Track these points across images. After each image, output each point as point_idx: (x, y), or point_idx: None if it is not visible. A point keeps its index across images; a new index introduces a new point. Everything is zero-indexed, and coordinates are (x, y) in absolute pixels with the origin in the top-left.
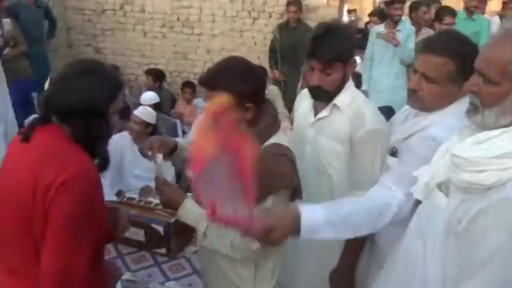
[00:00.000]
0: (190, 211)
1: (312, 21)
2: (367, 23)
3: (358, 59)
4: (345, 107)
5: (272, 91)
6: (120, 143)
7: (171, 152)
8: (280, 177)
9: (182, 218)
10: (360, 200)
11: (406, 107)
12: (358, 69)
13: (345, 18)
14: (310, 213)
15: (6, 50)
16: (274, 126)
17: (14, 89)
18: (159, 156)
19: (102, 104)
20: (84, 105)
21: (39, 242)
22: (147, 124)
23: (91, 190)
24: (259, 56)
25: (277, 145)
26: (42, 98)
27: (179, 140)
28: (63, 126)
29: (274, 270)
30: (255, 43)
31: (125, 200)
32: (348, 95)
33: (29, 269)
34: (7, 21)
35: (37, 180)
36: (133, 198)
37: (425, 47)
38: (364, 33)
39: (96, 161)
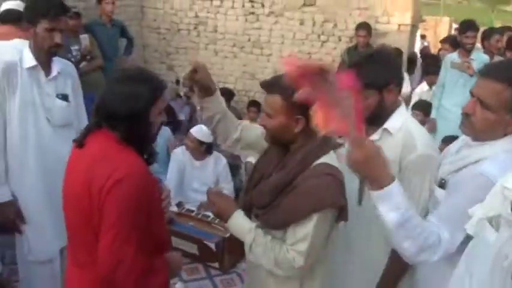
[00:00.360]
0: (239, 223)
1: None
2: (440, 50)
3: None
4: (395, 131)
5: None
6: (182, 156)
7: (206, 92)
8: (325, 196)
9: (231, 229)
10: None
11: (461, 138)
12: (426, 97)
13: (418, 43)
14: (399, 188)
15: (83, 64)
16: (325, 147)
17: (87, 100)
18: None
19: (143, 107)
20: (127, 109)
21: (97, 236)
22: (201, 142)
23: (143, 186)
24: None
25: (326, 165)
26: (95, 105)
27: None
28: (113, 130)
29: None
30: None
31: (183, 211)
32: (398, 120)
33: (92, 260)
34: (85, 37)
35: (91, 182)
36: (192, 211)
37: (485, 72)
38: (436, 59)
39: (144, 157)
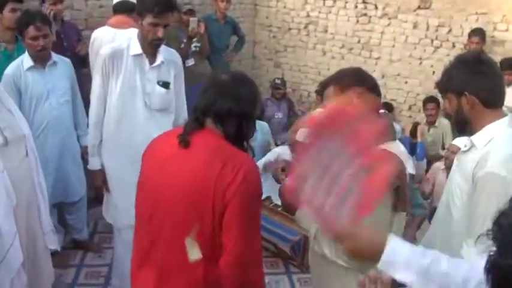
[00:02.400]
0: (305, 214)
1: (497, 55)
2: None
3: None
4: (481, 145)
5: (443, 124)
6: (284, 157)
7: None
8: None
9: (298, 220)
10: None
11: None
12: None
13: None
14: (396, 246)
15: (194, 46)
16: (386, 136)
17: (194, 91)
18: (283, 177)
19: (251, 108)
20: (241, 107)
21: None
22: None
23: (259, 180)
24: (435, 86)
25: (385, 151)
26: (196, 104)
27: None
28: (218, 128)
29: None
30: (433, 72)
31: (271, 205)
32: (488, 134)
33: (184, 263)
34: (194, 20)
35: (215, 180)
36: (279, 206)
37: None
38: None
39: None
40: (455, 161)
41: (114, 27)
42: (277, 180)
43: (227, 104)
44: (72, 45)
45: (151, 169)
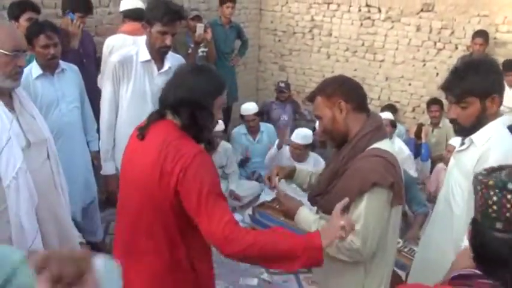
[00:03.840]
0: (304, 216)
1: (500, 57)
2: None
3: None
4: (480, 143)
5: (447, 125)
6: (285, 160)
7: (290, 176)
8: (370, 175)
9: (298, 224)
10: None
11: None
12: None
13: None
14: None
15: (201, 51)
16: (376, 134)
17: None
18: (276, 181)
19: (207, 97)
20: (192, 96)
21: (165, 220)
22: (305, 146)
23: (209, 163)
24: (439, 88)
25: (377, 149)
26: (160, 96)
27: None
28: (175, 119)
29: (382, 278)
30: (437, 74)
31: (277, 206)
32: (488, 132)
33: (154, 247)
34: (200, 26)
35: (160, 168)
36: None
37: None
38: None
39: (203, 145)
40: (452, 160)
41: (131, 34)
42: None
43: (179, 94)
44: (88, 53)
45: (123, 160)
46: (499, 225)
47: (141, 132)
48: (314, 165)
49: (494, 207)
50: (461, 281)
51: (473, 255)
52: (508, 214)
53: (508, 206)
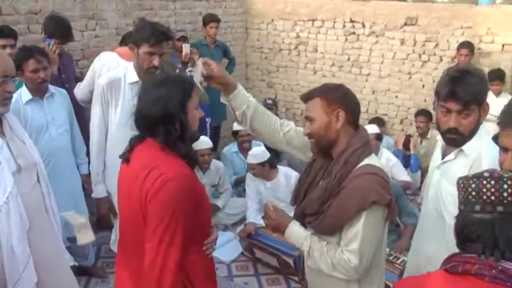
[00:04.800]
0: (295, 232)
1: (485, 67)
2: None
3: None
4: (470, 151)
5: (436, 136)
6: (253, 181)
7: (228, 89)
8: (369, 193)
9: (289, 239)
10: None
11: None
12: None
13: None
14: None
15: (188, 71)
16: (365, 150)
17: None
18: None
19: (175, 107)
20: (159, 110)
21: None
22: (262, 164)
23: (188, 188)
24: (425, 99)
25: (368, 166)
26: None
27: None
28: (154, 137)
29: None
30: (423, 86)
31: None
32: (476, 141)
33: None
34: (186, 46)
35: (141, 191)
36: None
37: (509, 121)
38: None
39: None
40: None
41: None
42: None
43: (147, 109)
44: (69, 77)
45: (118, 183)
46: (477, 207)
47: (125, 156)
48: (285, 178)
49: (473, 193)
50: (451, 260)
51: (456, 241)
52: (484, 197)
53: (484, 190)
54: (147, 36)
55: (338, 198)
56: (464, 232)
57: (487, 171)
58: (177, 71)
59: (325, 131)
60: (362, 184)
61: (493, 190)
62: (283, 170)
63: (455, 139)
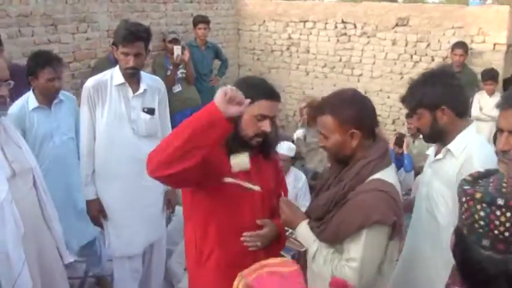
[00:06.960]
0: (305, 232)
1: (477, 67)
2: None
3: None
4: (458, 152)
5: None
6: None
7: None
8: (373, 212)
9: (298, 237)
10: None
11: None
12: None
13: None
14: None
15: (180, 73)
16: (380, 163)
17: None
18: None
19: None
20: None
21: None
22: (291, 158)
23: None
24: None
25: (380, 181)
26: None
27: None
28: None
29: None
30: None
31: None
32: (463, 141)
33: None
34: (177, 48)
35: None
36: None
37: (506, 103)
38: None
39: None
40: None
41: None
42: None
43: None
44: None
45: None
46: (485, 242)
47: None
48: (295, 179)
49: (482, 222)
50: None
51: (458, 268)
52: (496, 231)
53: (497, 222)
54: (120, 37)
55: (342, 211)
56: (473, 268)
57: (499, 193)
58: (169, 72)
59: (340, 148)
60: (368, 201)
61: (508, 225)
62: (294, 170)
63: (425, 138)
